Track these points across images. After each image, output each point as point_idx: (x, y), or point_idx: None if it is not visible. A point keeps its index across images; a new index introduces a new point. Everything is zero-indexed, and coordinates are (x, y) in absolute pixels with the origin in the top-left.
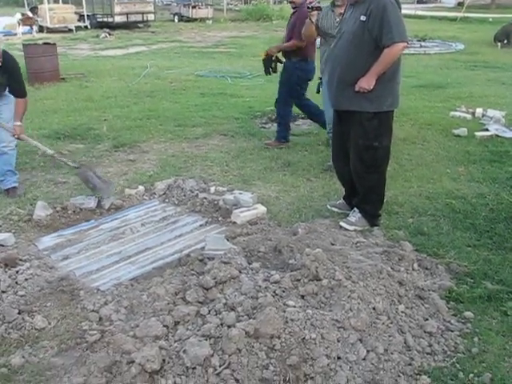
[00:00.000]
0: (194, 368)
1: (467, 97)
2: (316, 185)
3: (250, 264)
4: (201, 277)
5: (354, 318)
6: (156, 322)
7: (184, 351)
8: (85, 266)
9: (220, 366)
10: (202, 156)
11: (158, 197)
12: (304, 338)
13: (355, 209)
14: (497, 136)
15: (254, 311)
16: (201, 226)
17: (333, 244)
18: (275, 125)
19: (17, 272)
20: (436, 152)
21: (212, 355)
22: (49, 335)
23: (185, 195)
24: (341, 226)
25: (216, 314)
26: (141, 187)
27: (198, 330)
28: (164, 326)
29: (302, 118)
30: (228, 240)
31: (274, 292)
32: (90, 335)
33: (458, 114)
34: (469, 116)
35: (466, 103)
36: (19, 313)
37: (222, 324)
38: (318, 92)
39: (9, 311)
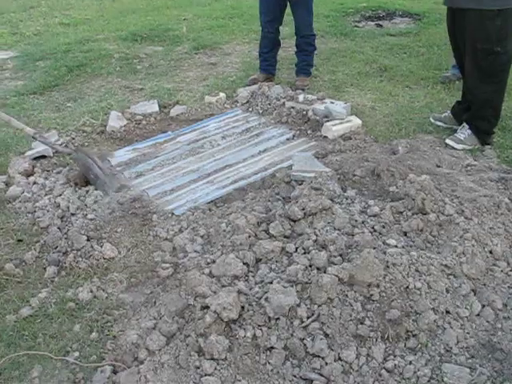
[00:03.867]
0: (278, 319)
1: None
2: (417, 93)
3: (344, 191)
4: (287, 206)
5: (467, 264)
6: (235, 259)
7: (266, 299)
8: (159, 184)
9: (307, 318)
10: (289, 58)
11: (240, 105)
12: (407, 287)
13: (465, 124)
14: None
15: (349, 251)
16: (287, 139)
17: (438, 166)
18: (370, 23)
19: (87, 192)
20: None
21: (298, 305)
22: (118, 266)
23: (270, 104)
24: (447, 144)
25: (304, 253)
26: (222, 94)
27: (282, 272)
28: (244, 263)
29: (401, 15)
30: (318, 159)
31: (373, 228)
32: (162, 269)
33: None
34: None
35: None
36: (88, 239)
37: (310, 265)
38: None
39: (77, 237)
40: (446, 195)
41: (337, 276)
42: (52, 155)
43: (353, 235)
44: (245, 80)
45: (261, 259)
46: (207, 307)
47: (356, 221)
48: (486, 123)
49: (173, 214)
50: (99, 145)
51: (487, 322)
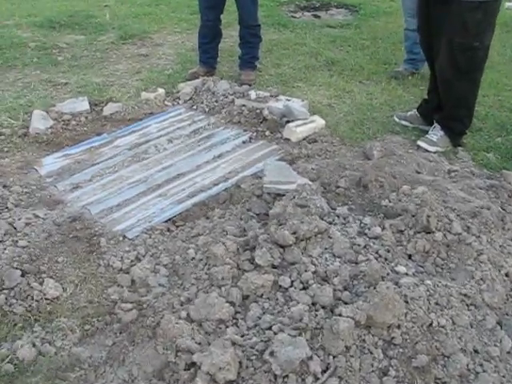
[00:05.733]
0: (287, 377)
1: None
2: (372, 89)
3: (332, 208)
4: (272, 228)
5: (488, 292)
6: (218, 298)
7: (272, 353)
8: (102, 199)
9: (322, 373)
10: (227, 50)
11: (183, 103)
12: (430, 325)
13: (436, 125)
14: None
15: (355, 282)
16: (244, 142)
17: (418, 172)
18: (306, 14)
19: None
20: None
21: (310, 357)
22: (65, 309)
23: (217, 101)
24: (419, 146)
25: (303, 288)
26: (161, 90)
27: (278, 313)
28: (229, 302)
29: (336, 6)
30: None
31: (377, 253)
32: (122, 310)
33: None
34: None
35: None
36: (23, 274)
37: (313, 304)
38: None
39: (9, 273)
40: (449, 210)
41: (353, 319)
42: None
43: (357, 263)
44: (183, 74)
45: (248, 296)
46: (193, 364)
47: (359, 245)
48: (459, 124)
49: (125, 236)
50: (22, 150)
51: None
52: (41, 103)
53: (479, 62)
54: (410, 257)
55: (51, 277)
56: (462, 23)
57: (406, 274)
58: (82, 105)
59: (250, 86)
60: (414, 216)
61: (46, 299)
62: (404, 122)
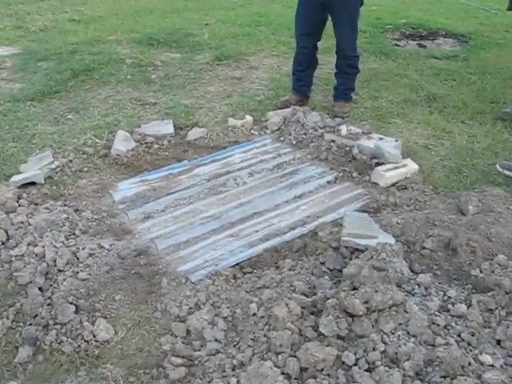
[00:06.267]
0: None
1: None
2: (475, 131)
3: (413, 271)
4: (342, 293)
5: None
6: (273, 369)
7: None
8: (172, 232)
9: None
10: (323, 78)
11: (270, 132)
12: None
13: None
14: None
15: (429, 369)
16: (328, 182)
17: None
18: (411, 42)
19: (79, 240)
20: None
21: None
22: (114, 355)
23: (305, 134)
24: None
25: (368, 369)
26: (249, 117)
27: None
28: (284, 374)
29: (444, 36)
30: (369, 214)
31: (459, 335)
32: (172, 365)
33: None
34: None
35: None
36: (76, 311)
37: None
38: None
39: (63, 307)
40: None
41: None
42: (43, 182)
43: (434, 345)
44: (274, 100)
45: (307, 369)
46: None
47: (438, 325)
48: None
49: (187, 279)
50: (101, 172)
51: None
52: (127, 123)
53: None
54: (498, 343)
55: (105, 317)
56: None
57: (492, 366)
58: (167, 128)
59: (343, 118)
60: (508, 293)
61: (96, 341)
62: (507, 173)
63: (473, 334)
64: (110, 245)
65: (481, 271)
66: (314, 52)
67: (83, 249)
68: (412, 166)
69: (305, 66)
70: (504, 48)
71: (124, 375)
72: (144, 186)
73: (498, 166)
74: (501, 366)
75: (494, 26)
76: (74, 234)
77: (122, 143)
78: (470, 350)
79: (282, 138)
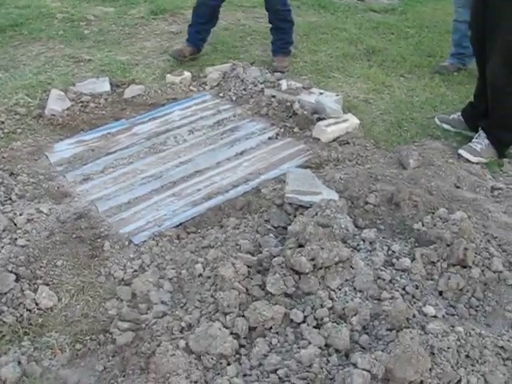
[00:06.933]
0: None
1: None
2: (414, 85)
3: (358, 227)
4: (288, 251)
5: None
6: (222, 330)
7: None
8: (112, 194)
9: None
10: (262, 31)
11: (209, 89)
12: (459, 382)
13: (481, 133)
14: None
15: (376, 323)
16: (270, 139)
17: (458, 187)
18: None
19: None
20: None
21: None
22: (58, 322)
23: (245, 89)
24: (460, 155)
25: (317, 325)
26: (187, 73)
27: (287, 352)
28: (233, 334)
29: None
30: (312, 169)
31: (404, 289)
32: (118, 329)
33: None
34: None
35: None
36: (17, 279)
37: (326, 345)
38: None
39: (3, 277)
40: (490, 239)
41: (369, 372)
42: None
43: (379, 300)
44: (213, 56)
45: (255, 328)
46: None
47: (384, 280)
48: (508, 134)
49: (131, 241)
50: (35, 133)
51: None
52: (61, 81)
53: None
54: (440, 293)
55: (47, 283)
56: None
57: (435, 317)
58: (103, 85)
59: (282, 73)
60: (449, 246)
61: (39, 309)
62: (446, 126)
63: (417, 287)
64: (49, 209)
65: (423, 225)
66: (220, 6)
67: (21, 214)
68: (353, 121)
69: (206, 19)
70: (440, 1)
71: (70, 342)
72: (81, 146)
73: (436, 120)
74: (443, 316)
75: None
76: (10, 198)
77: (57, 102)
78: (414, 303)
79: (221, 94)
